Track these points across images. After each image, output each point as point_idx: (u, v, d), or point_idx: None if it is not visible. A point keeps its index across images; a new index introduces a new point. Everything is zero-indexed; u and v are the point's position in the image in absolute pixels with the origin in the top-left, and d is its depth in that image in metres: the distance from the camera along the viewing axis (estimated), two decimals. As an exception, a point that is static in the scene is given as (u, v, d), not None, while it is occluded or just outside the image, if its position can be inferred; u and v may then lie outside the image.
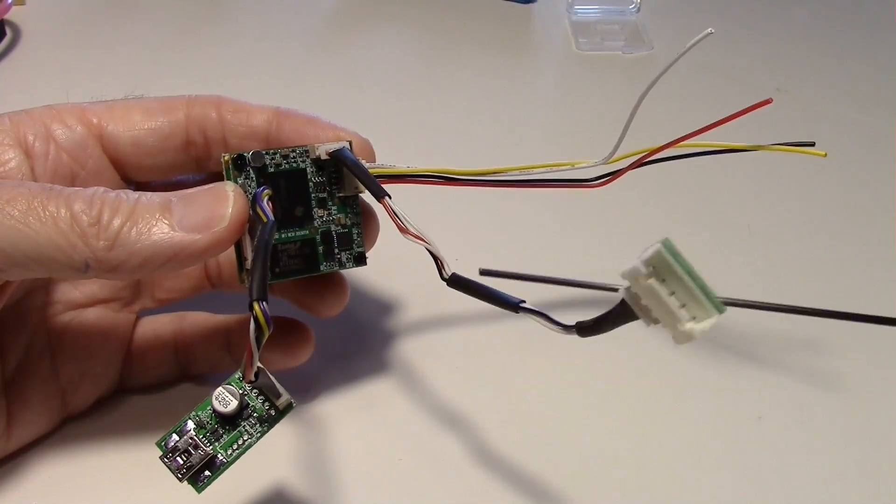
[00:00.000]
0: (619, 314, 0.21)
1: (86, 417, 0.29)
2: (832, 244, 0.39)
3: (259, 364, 0.23)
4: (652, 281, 0.19)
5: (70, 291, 0.29)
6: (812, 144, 0.26)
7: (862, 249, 0.39)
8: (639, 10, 0.59)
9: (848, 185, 0.43)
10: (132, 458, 0.28)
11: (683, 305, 0.19)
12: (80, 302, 0.29)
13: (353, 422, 0.30)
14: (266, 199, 0.24)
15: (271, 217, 0.23)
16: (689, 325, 0.19)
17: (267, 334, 0.22)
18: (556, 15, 0.59)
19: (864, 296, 0.36)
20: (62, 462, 0.28)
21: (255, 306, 0.21)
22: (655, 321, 0.20)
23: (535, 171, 0.26)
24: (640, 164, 0.25)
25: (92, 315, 0.29)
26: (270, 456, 0.28)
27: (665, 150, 0.25)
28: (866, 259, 0.38)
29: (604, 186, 0.27)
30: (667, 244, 0.19)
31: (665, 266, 0.19)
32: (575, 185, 0.27)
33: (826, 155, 0.25)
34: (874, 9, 0.62)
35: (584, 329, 0.22)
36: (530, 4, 0.60)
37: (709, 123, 0.25)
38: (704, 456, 0.29)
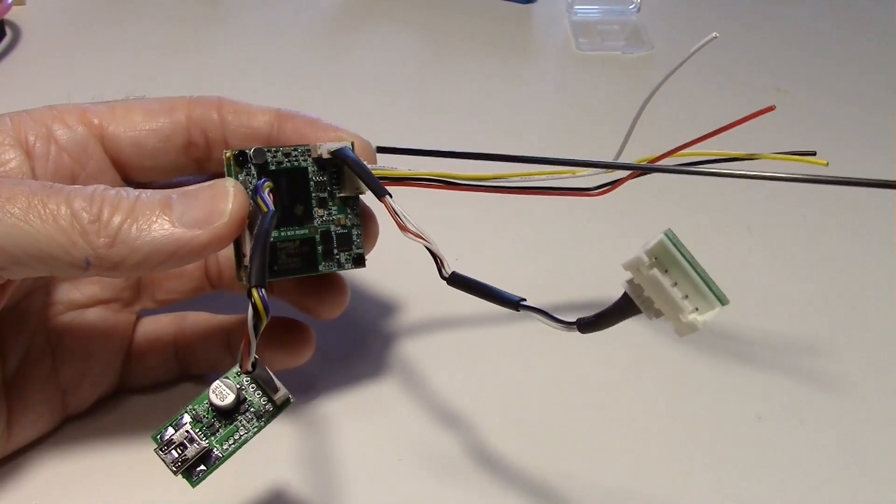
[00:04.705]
0: (621, 308, 0.21)
1: (86, 417, 0.29)
2: (832, 244, 0.39)
3: (255, 356, 0.22)
4: (655, 271, 0.19)
5: (70, 292, 0.29)
6: (813, 154, 0.26)
7: (862, 249, 0.39)
8: (639, 10, 0.59)
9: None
10: (132, 458, 0.28)
11: (686, 296, 0.19)
12: (80, 302, 0.29)
13: (354, 422, 0.30)
14: (267, 190, 0.24)
15: (272, 207, 0.23)
16: (692, 317, 0.19)
17: (265, 321, 0.21)
18: (556, 15, 0.59)
19: (864, 295, 0.36)
20: (62, 462, 0.28)
21: (254, 293, 0.21)
22: (658, 313, 0.20)
23: (536, 177, 0.26)
24: (638, 174, 0.25)
25: (92, 315, 0.29)
26: (271, 456, 0.28)
27: (664, 160, 0.26)
28: (866, 258, 0.38)
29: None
30: (669, 235, 0.19)
31: (668, 256, 0.19)
32: (575, 194, 0.27)
33: (827, 164, 0.25)
34: (874, 9, 0.62)
35: (586, 325, 0.22)
36: (530, 4, 0.60)
37: (710, 131, 0.25)
38: (704, 456, 0.29)
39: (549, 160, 0.22)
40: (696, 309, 0.19)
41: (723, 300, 0.19)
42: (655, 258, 0.19)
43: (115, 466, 0.28)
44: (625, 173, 0.26)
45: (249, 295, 0.21)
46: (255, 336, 0.22)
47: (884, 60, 0.56)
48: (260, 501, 0.27)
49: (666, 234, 0.19)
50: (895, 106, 0.50)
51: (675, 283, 0.19)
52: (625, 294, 0.20)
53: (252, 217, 0.24)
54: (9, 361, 0.27)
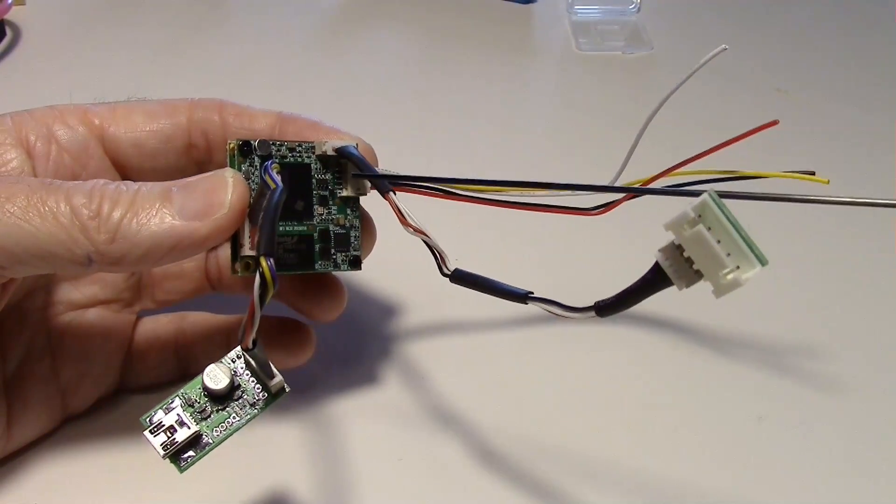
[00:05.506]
0: (649, 282, 0.20)
1: (86, 417, 0.29)
2: (832, 244, 0.39)
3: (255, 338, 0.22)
4: (700, 227, 0.19)
5: (70, 292, 0.29)
6: (812, 173, 0.26)
7: (861, 250, 0.39)
8: (639, 10, 0.59)
9: (847, 185, 0.43)
10: (132, 458, 0.28)
11: (728, 254, 0.19)
12: (80, 303, 0.29)
13: (354, 422, 0.30)
14: (275, 170, 0.23)
15: (280, 184, 0.23)
16: (734, 275, 0.19)
17: (272, 291, 0.21)
18: (556, 15, 0.59)
19: (864, 296, 0.36)
20: (62, 462, 0.28)
21: (262, 261, 0.21)
22: (692, 280, 0.20)
23: (536, 193, 0.26)
24: (636, 195, 0.26)
25: (92, 316, 0.29)
26: (270, 457, 0.28)
27: (661, 179, 0.26)
28: (866, 259, 0.38)
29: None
30: (712, 194, 0.19)
31: (711, 215, 0.19)
32: (573, 212, 0.27)
33: (829, 182, 0.25)
34: (874, 9, 0.62)
35: (605, 308, 0.21)
36: (530, 4, 0.60)
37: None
38: (704, 456, 0.29)
39: (545, 185, 0.23)
40: (738, 267, 0.19)
41: (763, 261, 0.19)
42: (699, 216, 0.19)
43: (115, 466, 0.28)
44: (622, 194, 0.26)
45: (257, 264, 0.21)
46: (261, 306, 0.21)
47: (884, 60, 0.56)
48: (259, 502, 0.27)
49: (709, 194, 0.19)
50: (894, 105, 0.50)
51: (718, 241, 0.19)
52: (655, 265, 0.20)
53: (253, 206, 0.24)
54: (9, 361, 0.27)
